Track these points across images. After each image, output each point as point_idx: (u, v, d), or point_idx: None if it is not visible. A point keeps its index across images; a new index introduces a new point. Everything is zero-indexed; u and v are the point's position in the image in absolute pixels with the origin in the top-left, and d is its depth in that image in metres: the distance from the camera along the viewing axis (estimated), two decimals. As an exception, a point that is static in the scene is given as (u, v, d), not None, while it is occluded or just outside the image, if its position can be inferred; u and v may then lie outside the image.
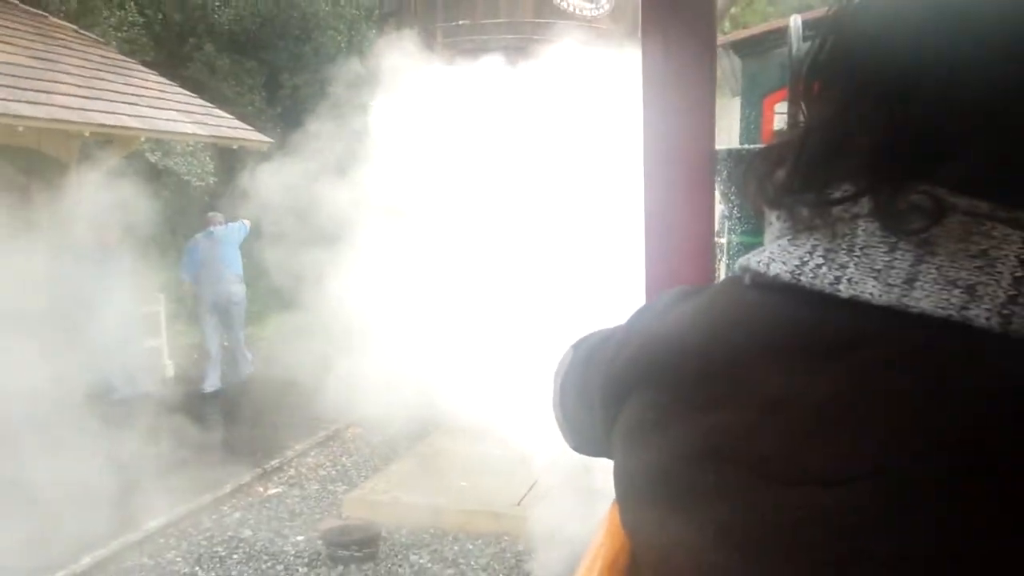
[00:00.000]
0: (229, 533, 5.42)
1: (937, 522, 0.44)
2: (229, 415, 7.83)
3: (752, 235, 1.40)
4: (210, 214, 8.39)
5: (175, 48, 11.62)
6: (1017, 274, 0.46)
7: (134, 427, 6.59)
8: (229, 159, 8.74)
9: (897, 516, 0.45)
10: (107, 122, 6.80)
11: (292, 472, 6.48)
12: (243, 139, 8.51)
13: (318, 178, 7.50)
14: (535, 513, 5.09)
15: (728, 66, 6.36)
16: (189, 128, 7.79)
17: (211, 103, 8.83)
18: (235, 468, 6.29)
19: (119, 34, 10.45)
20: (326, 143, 7.77)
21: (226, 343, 8.54)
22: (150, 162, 9.85)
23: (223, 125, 8.42)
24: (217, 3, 11.80)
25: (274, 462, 6.51)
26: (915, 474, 0.45)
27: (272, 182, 7.93)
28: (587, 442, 0.75)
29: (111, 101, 7.14)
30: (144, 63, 9.46)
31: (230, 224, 8.37)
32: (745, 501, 0.51)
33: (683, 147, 1.04)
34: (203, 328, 8.47)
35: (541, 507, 5.10)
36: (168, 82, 8.56)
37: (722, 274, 1.57)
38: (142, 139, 7.50)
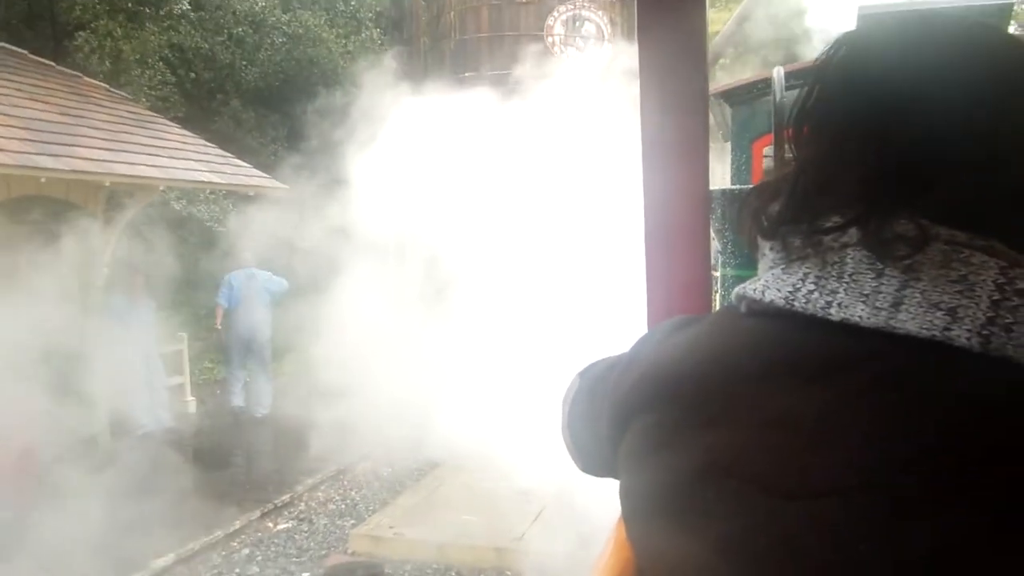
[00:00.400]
0: (237, 570, 5.29)
1: (924, 528, 0.45)
2: (245, 449, 7.76)
3: (745, 268, 1.43)
4: (246, 254, 8.53)
5: (205, 104, 11.86)
6: (995, 297, 0.48)
7: (154, 461, 6.60)
8: (249, 205, 8.84)
9: (887, 524, 0.46)
10: (126, 172, 6.91)
11: (302, 507, 6.36)
12: (259, 186, 8.62)
13: (331, 221, 7.58)
14: (536, 547, 5.00)
15: (720, 114, 6.45)
16: (206, 176, 7.88)
17: (237, 154, 8.99)
18: (247, 503, 6.20)
19: (153, 92, 10.68)
20: (340, 190, 7.87)
21: (247, 379, 8.63)
22: (175, 209, 9.96)
23: (240, 173, 8.51)
24: (244, 62, 12.07)
25: (285, 497, 6.39)
26: (902, 484, 0.47)
27: (289, 226, 8.03)
28: (595, 464, 0.76)
29: (133, 153, 7.23)
30: (175, 119, 9.65)
31: (266, 273, 8.53)
32: (745, 514, 0.52)
33: (679, 189, 1.08)
34: (229, 358, 8.60)
35: (542, 541, 5.02)
36: (190, 135, 8.78)
37: (718, 306, 1.60)
38: (160, 188, 7.53)
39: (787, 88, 2.01)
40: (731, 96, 5.58)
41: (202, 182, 7.97)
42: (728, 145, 5.87)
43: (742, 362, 0.57)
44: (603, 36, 9.97)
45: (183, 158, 7.90)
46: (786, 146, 0.63)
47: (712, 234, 1.24)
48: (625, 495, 0.64)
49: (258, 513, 6.06)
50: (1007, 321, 0.48)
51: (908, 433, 0.48)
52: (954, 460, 0.46)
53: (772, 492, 0.51)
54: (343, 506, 6.42)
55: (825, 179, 0.57)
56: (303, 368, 7.99)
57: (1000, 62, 0.55)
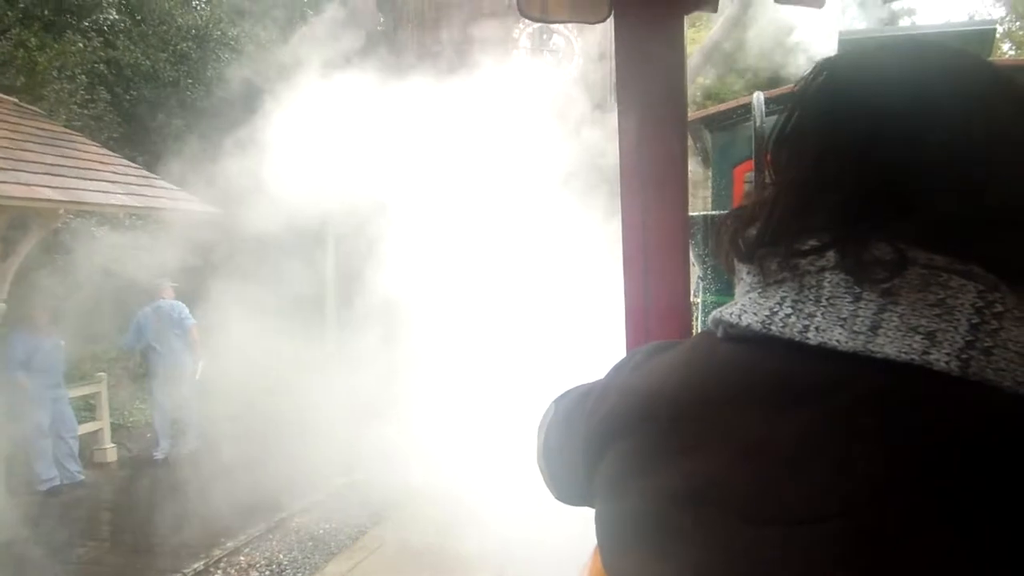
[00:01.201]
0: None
1: (903, 555, 0.47)
2: (163, 502, 6.94)
3: (725, 295, 1.50)
4: (158, 281, 8.20)
5: (147, 123, 11.71)
6: (973, 321, 0.51)
7: (53, 522, 6.10)
8: (181, 229, 8.46)
9: (865, 551, 0.48)
10: (18, 194, 6.19)
11: (219, 575, 5.75)
12: (182, 209, 7.98)
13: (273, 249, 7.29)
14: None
15: (702, 140, 6.64)
16: (120, 199, 7.33)
17: (180, 175, 8.54)
18: (151, 573, 5.65)
19: (83, 110, 10.48)
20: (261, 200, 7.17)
21: (173, 416, 8.29)
22: (96, 235, 9.20)
23: (163, 196, 7.97)
24: (189, 80, 12.01)
25: (198, 564, 5.72)
26: (881, 510, 0.48)
27: (214, 249, 7.65)
28: (570, 493, 0.78)
29: (31, 173, 6.64)
30: (110, 139, 9.31)
31: (179, 304, 8.27)
32: (723, 541, 0.53)
33: (658, 214, 1.15)
34: (152, 400, 8.36)
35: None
36: (111, 155, 8.29)
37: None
38: (60, 211, 6.90)
39: (767, 114, 2.12)
40: (711, 122, 5.76)
41: (114, 205, 7.39)
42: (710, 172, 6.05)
43: (719, 387, 0.60)
44: (573, 51, 10.12)
45: (95, 179, 7.35)
46: (765, 171, 0.67)
47: (692, 260, 1.32)
48: (601, 523, 0.66)
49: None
50: (986, 344, 0.50)
51: (886, 459, 0.50)
52: (933, 486, 0.48)
53: (750, 519, 0.52)
54: (267, 572, 5.82)
55: (803, 203, 0.60)
56: (237, 406, 7.49)
57: (981, 90, 0.59)
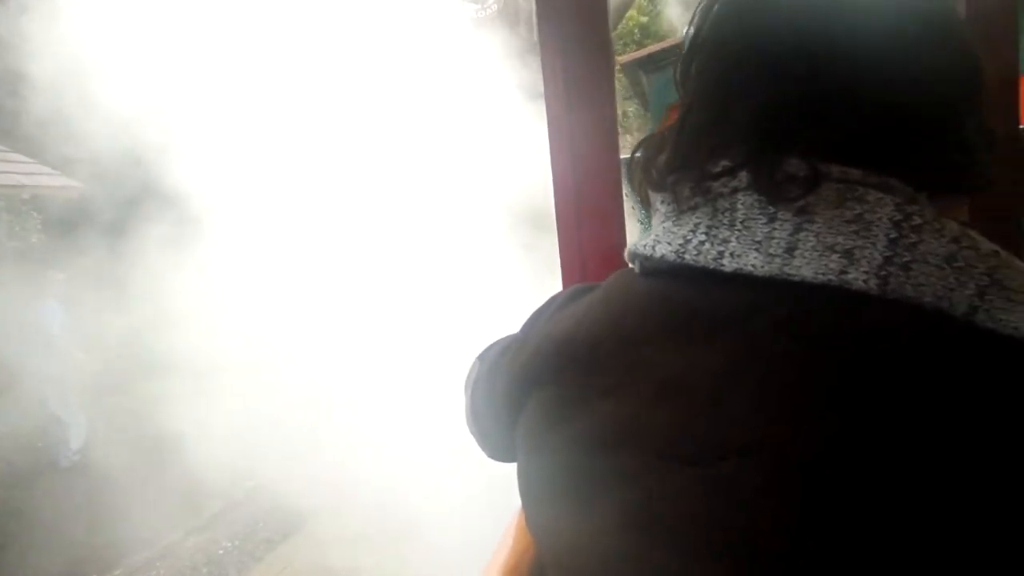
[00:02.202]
0: None
1: (821, 482, 0.46)
2: (46, 520, 5.56)
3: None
4: (51, 273, 7.24)
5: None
6: (891, 235, 0.48)
7: None
8: (64, 213, 7.09)
9: (788, 480, 0.46)
10: None
11: None
12: (46, 186, 6.83)
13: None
14: None
15: (641, 83, 6.59)
16: None
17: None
18: None
19: None
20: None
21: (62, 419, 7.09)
22: None
23: (15, 171, 6.82)
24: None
25: None
26: (799, 438, 0.47)
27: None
28: (499, 449, 0.75)
29: None
30: None
31: (52, 303, 7.16)
32: (647, 484, 0.51)
33: (588, 157, 1.09)
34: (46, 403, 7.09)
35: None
36: None
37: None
38: None
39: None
40: (646, 64, 5.71)
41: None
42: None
43: (635, 325, 0.57)
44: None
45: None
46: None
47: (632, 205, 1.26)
48: (522, 476, 0.64)
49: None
50: (905, 260, 0.48)
51: (805, 384, 0.48)
52: (852, 409, 0.46)
53: (672, 459, 0.51)
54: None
55: (712, 120, 0.57)
56: (133, 409, 6.40)
57: None
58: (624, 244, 1.16)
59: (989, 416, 0.45)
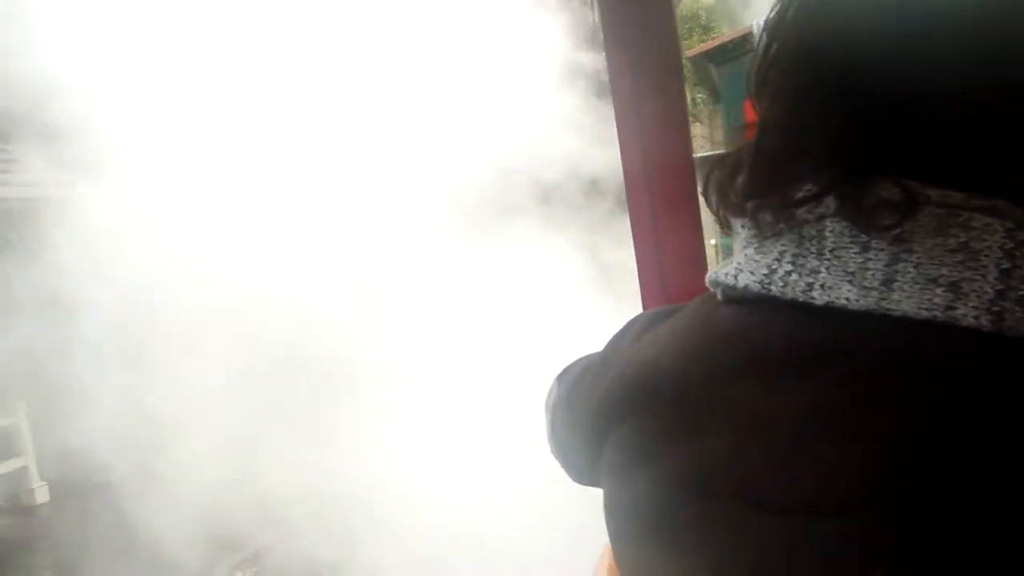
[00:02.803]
0: None
1: (934, 551, 0.41)
2: (99, 544, 4.96)
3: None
4: None
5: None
6: (1003, 266, 0.44)
7: None
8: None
9: (894, 548, 0.42)
10: None
11: None
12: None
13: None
14: None
15: (710, 76, 6.45)
16: None
17: None
18: None
19: None
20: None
21: None
22: None
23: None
24: None
25: None
26: (909, 499, 0.42)
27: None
28: (584, 474, 0.72)
29: None
30: None
31: None
32: (738, 534, 0.48)
33: (660, 158, 1.06)
34: None
35: None
36: None
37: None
38: None
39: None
40: (715, 56, 5.58)
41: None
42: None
43: (720, 360, 0.54)
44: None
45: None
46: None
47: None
48: (609, 514, 0.61)
49: None
50: (1020, 293, 0.43)
51: (910, 428, 0.43)
52: (967, 455, 0.42)
53: (765, 507, 0.47)
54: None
55: (791, 143, 0.53)
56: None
57: None
58: (702, 244, 1.12)
59: None
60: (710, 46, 5.66)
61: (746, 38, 4.88)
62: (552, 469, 0.79)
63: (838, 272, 0.48)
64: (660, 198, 1.06)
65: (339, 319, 4.53)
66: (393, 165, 4.71)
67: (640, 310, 1.07)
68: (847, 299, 0.47)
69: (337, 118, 4.67)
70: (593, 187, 5.84)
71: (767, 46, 0.56)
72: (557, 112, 5.02)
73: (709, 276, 0.58)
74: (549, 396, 0.78)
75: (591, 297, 4.33)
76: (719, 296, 0.57)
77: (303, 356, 4.75)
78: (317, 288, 4.63)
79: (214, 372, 4.67)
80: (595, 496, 0.66)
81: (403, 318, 4.56)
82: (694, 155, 1.12)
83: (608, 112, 1.06)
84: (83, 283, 4.80)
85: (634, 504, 0.57)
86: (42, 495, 6.76)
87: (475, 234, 4.63)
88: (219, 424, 4.64)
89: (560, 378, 0.77)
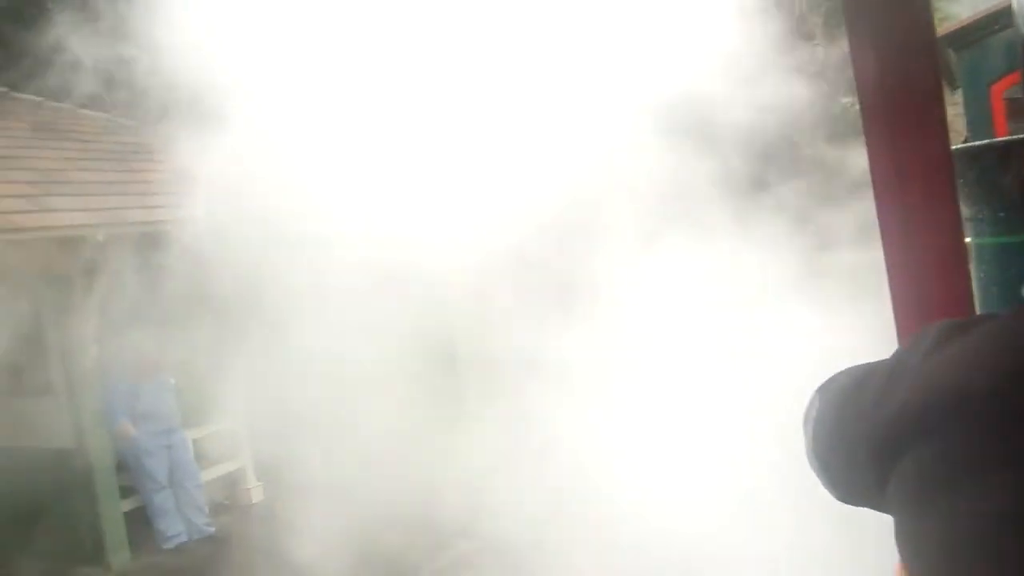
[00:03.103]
0: None
1: None
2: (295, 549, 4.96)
3: (1008, 234, 1.25)
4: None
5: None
6: None
7: None
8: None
9: None
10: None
11: None
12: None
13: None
14: None
15: (947, 61, 5.89)
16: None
17: None
18: None
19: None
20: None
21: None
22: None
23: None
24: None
25: None
26: None
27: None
28: (855, 495, 0.68)
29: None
30: None
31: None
32: None
33: (913, 152, 0.97)
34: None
35: None
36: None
37: (975, 282, 1.43)
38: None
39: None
40: (953, 40, 5.07)
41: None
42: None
43: None
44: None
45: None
46: None
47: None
48: (904, 539, 0.57)
49: None
50: None
51: None
52: None
53: None
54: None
55: None
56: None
57: None
58: (963, 245, 1.02)
59: None
60: (950, 28, 5.15)
61: (995, 17, 4.38)
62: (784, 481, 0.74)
63: None
64: (915, 196, 0.97)
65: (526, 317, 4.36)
66: (588, 148, 4.35)
67: (893, 315, 0.99)
68: None
69: (514, 105, 4.26)
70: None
71: None
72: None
73: None
74: (809, 410, 0.74)
75: (802, 301, 4.05)
76: None
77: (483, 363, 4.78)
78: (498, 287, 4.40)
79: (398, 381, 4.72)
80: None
81: (598, 317, 4.33)
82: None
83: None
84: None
85: (938, 531, 0.53)
86: (257, 494, 7.21)
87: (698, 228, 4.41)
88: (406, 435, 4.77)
89: (821, 391, 0.73)
